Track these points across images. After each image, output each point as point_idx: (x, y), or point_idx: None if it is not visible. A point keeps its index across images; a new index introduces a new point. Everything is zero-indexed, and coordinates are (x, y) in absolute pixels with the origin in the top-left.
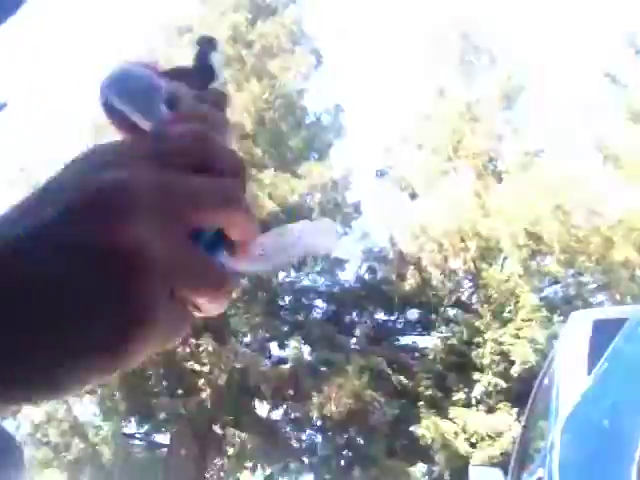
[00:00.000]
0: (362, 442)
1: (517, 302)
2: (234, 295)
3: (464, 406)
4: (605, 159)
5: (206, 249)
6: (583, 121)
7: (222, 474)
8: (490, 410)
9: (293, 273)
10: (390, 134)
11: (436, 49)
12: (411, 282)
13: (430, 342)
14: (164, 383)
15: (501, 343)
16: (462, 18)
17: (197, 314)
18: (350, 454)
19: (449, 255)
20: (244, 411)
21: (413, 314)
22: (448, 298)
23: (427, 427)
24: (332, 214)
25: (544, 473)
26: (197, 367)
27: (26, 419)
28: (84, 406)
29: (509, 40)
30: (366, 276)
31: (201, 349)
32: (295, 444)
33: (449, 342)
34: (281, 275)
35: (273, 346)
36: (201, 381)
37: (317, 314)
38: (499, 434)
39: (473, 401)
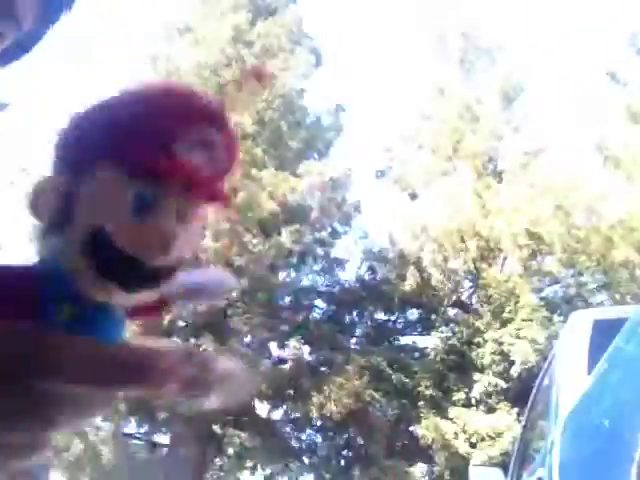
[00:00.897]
0: (362, 442)
1: (517, 302)
2: (234, 295)
3: (464, 406)
4: (605, 159)
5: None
6: (583, 121)
7: (222, 474)
8: (490, 410)
9: (293, 273)
10: (390, 134)
11: (436, 49)
12: (411, 282)
13: (430, 342)
14: None
15: (501, 343)
16: (462, 18)
17: None
18: (350, 454)
19: (449, 255)
20: (244, 411)
21: (413, 314)
22: (448, 298)
23: (427, 427)
24: (332, 214)
25: (544, 473)
26: None
27: None
28: None
29: (509, 40)
30: (366, 276)
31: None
32: (295, 444)
33: (449, 342)
34: (281, 275)
35: (273, 346)
36: None
37: (317, 314)
38: (499, 434)
39: (473, 401)
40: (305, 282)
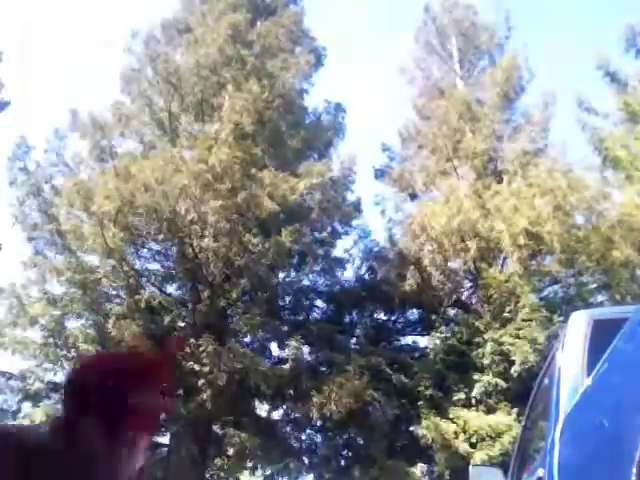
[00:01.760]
0: (362, 442)
1: (517, 302)
2: (234, 295)
3: (464, 406)
4: (605, 159)
5: None
6: (583, 121)
7: (222, 474)
8: (490, 410)
9: (293, 273)
10: (390, 134)
11: (436, 49)
12: (411, 282)
13: (430, 342)
14: None
15: (501, 343)
16: (462, 18)
17: None
18: (350, 454)
19: (449, 255)
20: (244, 411)
21: (413, 314)
22: (448, 298)
23: (427, 427)
24: (332, 214)
25: (544, 473)
26: (197, 367)
27: (26, 419)
28: None
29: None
30: (366, 276)
31: (201, 349)
32: (295, 444)
33: (449, 342)
34: (281, 275)
35: (273, 346)
36: (201, 381)
37: (317, 314)
38: (499, 434)
39: (473, 401)
40: (305, 282)
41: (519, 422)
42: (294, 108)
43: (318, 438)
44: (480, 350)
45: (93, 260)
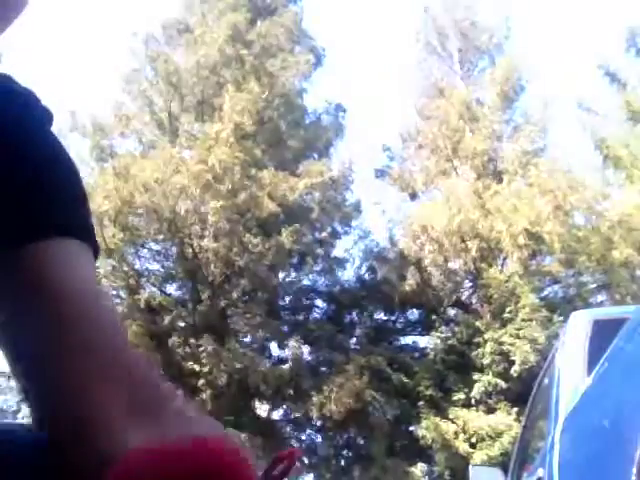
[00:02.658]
0: (362, 442)
1: (517, 302)
2: (234, 295)
3: (464, 406)
4: (605, 159)
5: None
6: (583, 121)
7: None
8: (490, 410)
9: (293, 273)
10: (390, 134)
11: (436, 49)
12: (411, 282)
13: (430, 342)
14: None
15: (501, 343)
16: (462, 18)
17: None
18: (350, 454)
19: (449, 255)
20: (244, 411)
21: (413, 314)
22: (448, 298)
23: (427, 427)
24: (332, 214)
25: (544, 473)
26: (197, 367)
27: (26, 420)
28: None
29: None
30: (366, 276)
31: (201, 349)
32: (295, 444)
33: (449, 342)
34: (281, 275)
35: (273, 346)
36: (201, 381)
37: (317, 314)
38: (499, 434)
39: (473, 401)
40: (305, 282)
41: (519, 422)
42: (294, 108)
43: (318, 438)
44: (480, 350)
45: None
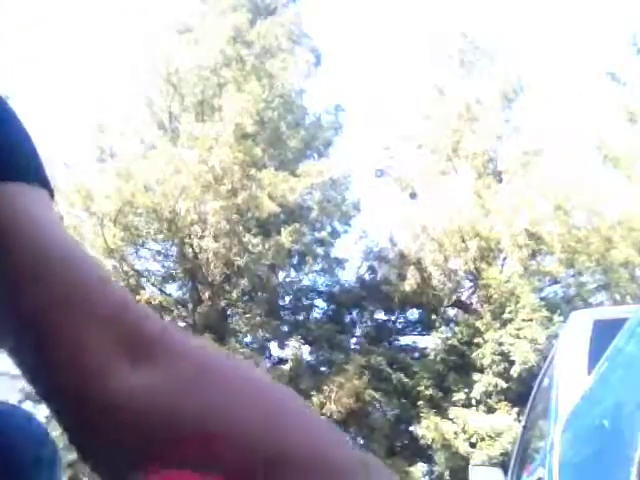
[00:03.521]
0: (362, 442)
1: (517, 302)
2: (234, 295)
3: (464, 406)
4: (605, 159)
5: None
6: (583, 121)
7: None
8: (490, 410)
9: (293, 273)
10: (390, 134)
11: (436, 49)
12: (411, 282)
13: (430, 342)
14: None
15: (501, 343)
16: (462, 18)
17: None
18: None
19: (449, 255)
20: None
21: (413, 314)
22: (448, 298)
23: (427, 427)
24: (331, 213)
25: (544, 473)
26: None
27: None
28: None
29: (509, 40)
30: (366, 276)
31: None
32: None
33: (449, 342)
34: (281, 275)
35: (273, 346)
36: None
37: (317, 314)
38: (499, 434)
39: (473, 401)
40: (305, 282)
41: (519, 422)
42: (294, 108)
43: None
44: (480, 350)
45: None
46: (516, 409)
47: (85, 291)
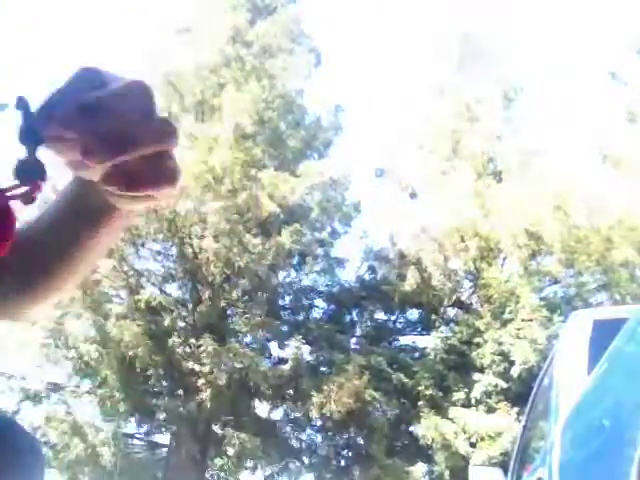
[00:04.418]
0: (362, 442)
1: (517, 302)
2: (234, 295)
3: (464, 406)
4: (605, 159)
5: None
6: (583, 121)
7: (222, 474)
8: (490, 410)
9: (293, 273)
10: (390, 134)
11: (436, 49)
12: (411, 282)
13: (430, 342)
14: (164, 383)
15: (501, 343)
16: (462, 18)
17: None
18: (350, 454)
19: (449, 255)
20: (244, 411)
21: (413, 314)
22: (448, 298)
23: (427, 427)
24: (331, 214)
25: (544, 473)
26: (197, 367)
27: (26, 420)
28: (84, 406)
29: (509, 40)
30: (366, 276)
31: (201, 349)
32: (295, 444)
33: (449, 342)
34: (281, 275)
35: (273, 346)
36: (201, 381)
37: (317, 314)
38: (499, 434)
39: (473, 401)
40: (305, 282)
41: (519, 422)
42: (294, 108)
43: (318, 438)
44: (480, 350)
45: None
46: (516, 409)
47: None
